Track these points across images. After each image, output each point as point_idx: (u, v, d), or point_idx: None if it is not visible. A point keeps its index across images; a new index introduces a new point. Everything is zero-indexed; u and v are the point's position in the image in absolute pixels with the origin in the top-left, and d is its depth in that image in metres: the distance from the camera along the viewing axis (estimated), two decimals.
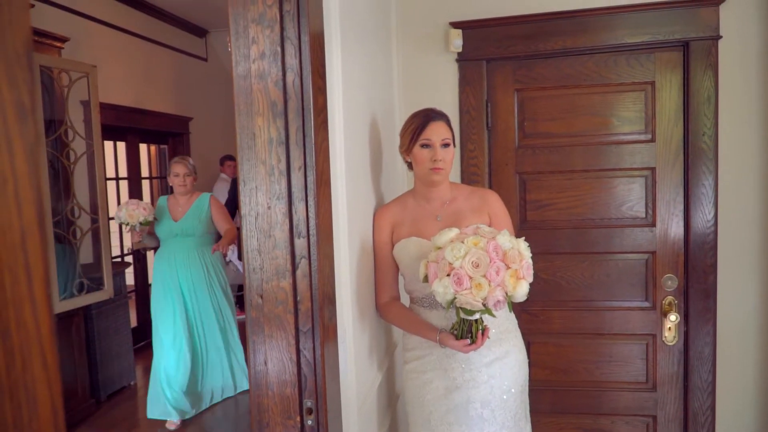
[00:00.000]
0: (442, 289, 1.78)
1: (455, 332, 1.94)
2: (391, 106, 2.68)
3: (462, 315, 1.85)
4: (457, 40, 2.75)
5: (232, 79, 1.47)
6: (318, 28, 1.51)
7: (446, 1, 2.80)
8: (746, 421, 2.75)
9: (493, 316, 1.84)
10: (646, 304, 2.79)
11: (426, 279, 1.89)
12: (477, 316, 1.85)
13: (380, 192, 2.35)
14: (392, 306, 2.20)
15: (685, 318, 2.73)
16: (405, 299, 2.28)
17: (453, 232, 1.88)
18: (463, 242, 1.78)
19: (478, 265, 1.74)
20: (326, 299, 1.53)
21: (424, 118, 2.12)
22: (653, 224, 2.74)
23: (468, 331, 1.92)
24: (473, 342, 1.92)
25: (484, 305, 1.77)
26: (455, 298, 1.78)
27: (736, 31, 2.58)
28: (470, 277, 1.74)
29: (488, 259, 1.74)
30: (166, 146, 7.04)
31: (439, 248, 1.85)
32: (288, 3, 1.43)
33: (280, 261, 1.48)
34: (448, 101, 2.81)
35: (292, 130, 1.45)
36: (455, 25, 2.76)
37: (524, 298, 1.81)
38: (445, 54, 2.82)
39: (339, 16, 1.73)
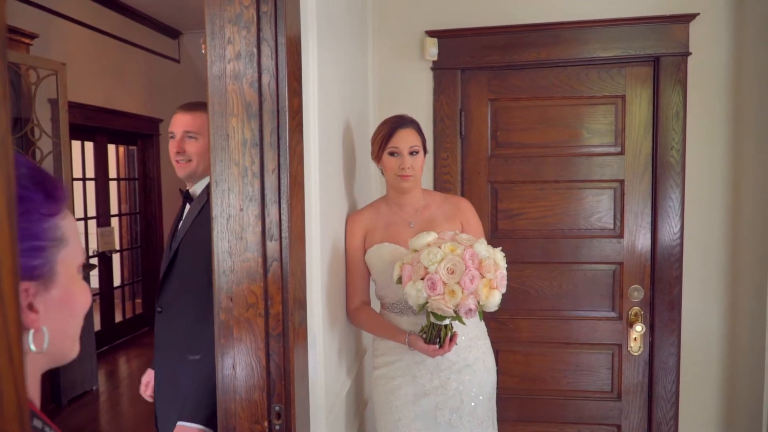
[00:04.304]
0: (414, 292, 1.78)
1: (424, 336, 1.95)
2: (365, 111, 2.68)
3: (432, 320, 1.85)
4: (432, 48, 2.76)
5: (206, 80, 1.45)
6: (295, 30, 1.51)
7: (422, 10, 2.82)
8: (709, 430, 2.79)
9: (463, 323, 1.84)
10: (613, 315, 2.83)
11: (400, 280, 1.89)
12: (447, 321, 1.85)
13: (353, 196, 2.35)
14: (362, 310, 2.20)
15: (651, 328, 2.77)
16: (376, 305, 2.27)
17: (431, 236, 1.88)
18: (440, 247, 1.78)
19: (453, 272, 1.75)
20: (297, 303, 1.52)
21: (392, 126, 2.12)
22: (621, 236, 2.78)
23: (437, 335, 1.92)
24: (441, 347, 1.92)
25: (455, 312, 1.78)
26: (427, 302, 1.78)
27: (705, 48, 2.64)
28: (444, 283, 1.74)
29: (464, 267, 1.75)
30: (135, 147, 6.94)
31: (416, 251, 1.85)
32: (265, 4, 1.42)
33: (251, 264, 1.46)
34: (422, 109, 2.82)
35: (267, 132, 1.44)
36: (431, 33, 2.78)
37: (496, 308, 1.82)
38: (420, 62, 2.83)
39: (316, 20, 1.73)
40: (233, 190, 1.45)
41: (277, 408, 1.48)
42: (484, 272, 1.77)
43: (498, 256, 1.83)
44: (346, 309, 2.21)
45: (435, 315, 1.81)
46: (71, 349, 0.81)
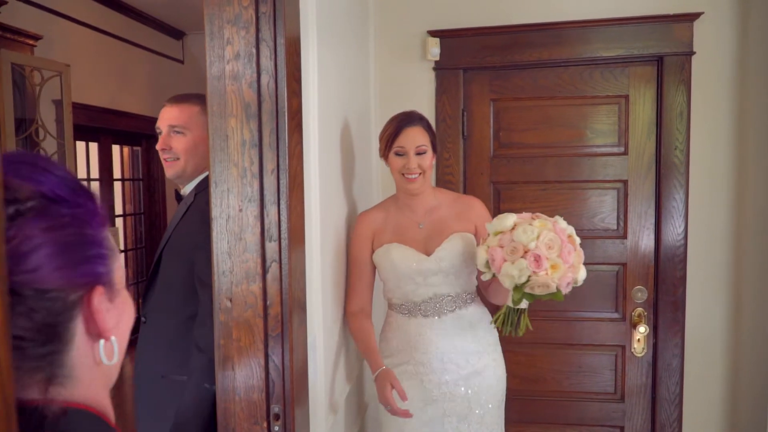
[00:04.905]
0: (517, 271, 1.73)
1: (501, 324, 1.89)
2: (366, 111, 2.68)
3: (521, 304, 1.80)
4: (434, 48, 2.75)
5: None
6: (294, 31, 1.50)
7: (424, 10, 2.81)
8: None
9: (561, 299, 1.78)
10: (616, 316, 2.81)
11: (487, 266, 1.84)
12: (525, 305, 1.83)
13: (352, 197, 2.34)
14: (357, 319, 2.14)
15: (654, 330, 2.76)
16: (382, 305, 2.26)
17: (513, 217, 1.82)
18: (531, 224, 1.76)
19: (551, 247, 1.72)
20: (296, 304, 1.51)
21: (398, 124, 2.07)
22: (624, 236, 2.77)
23: (517, 321, 1.87)
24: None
25: (557, 288, 1.75)
26: (528, 280, 1.73)
27: (710, 47, 2.62)
28: (546, 258, 1.72)
29: (560, 241, 1.73)
30: (139, 148, 6.96)
31: (499, 233, 1.80)
32: (264, 5, 1.42)
33: (250, 264, 1.46)
34: (424, 109, 2.79)
35: (266, 133, 1.43)
36: (433, 33, 2.77)
37: (581, 282, 1.80)
38: (422, 62, 2.83)
39: (316, 20, 1.73)
40: (232, 190, 1.45)
41: (276, 409, 1.47)
42: (574, 245, 1.76)
43: (574, 232, 1.82)
44: (344, 310, 2.19)
45: (527, 295, 1.77)
46: (118, 368, 0.77)
